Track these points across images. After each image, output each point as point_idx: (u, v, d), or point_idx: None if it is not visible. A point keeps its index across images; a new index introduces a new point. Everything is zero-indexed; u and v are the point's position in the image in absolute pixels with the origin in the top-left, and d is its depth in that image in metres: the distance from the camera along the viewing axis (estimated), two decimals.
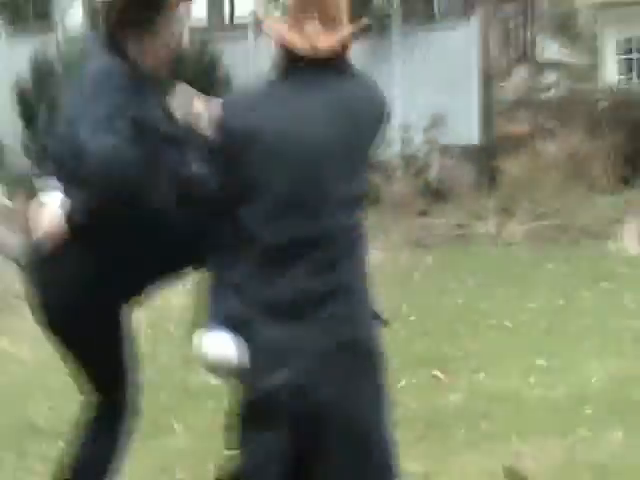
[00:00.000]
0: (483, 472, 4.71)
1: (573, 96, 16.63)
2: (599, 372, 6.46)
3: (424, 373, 6.60)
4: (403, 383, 6.12)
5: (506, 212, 13.35)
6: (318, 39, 2.78)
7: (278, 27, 2.87)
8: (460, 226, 12.90)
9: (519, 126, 16.08)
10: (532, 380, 6.38)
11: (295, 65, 2.82)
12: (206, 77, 13.92)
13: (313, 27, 2.80)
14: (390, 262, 11.12)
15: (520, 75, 20.79)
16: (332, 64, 2.85)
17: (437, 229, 12.90)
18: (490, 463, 4.80)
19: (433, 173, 14.79)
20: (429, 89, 15.21)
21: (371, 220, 11.88)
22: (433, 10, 16.43)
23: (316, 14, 2.82)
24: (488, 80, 16.04)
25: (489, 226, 12.88)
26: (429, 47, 15.60)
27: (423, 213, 13.73)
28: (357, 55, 12.63)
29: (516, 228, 12.82)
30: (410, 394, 5.95)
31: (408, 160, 15.03)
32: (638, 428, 5.30)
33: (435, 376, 6.55)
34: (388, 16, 15.74)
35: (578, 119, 15.13)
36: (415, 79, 15.40)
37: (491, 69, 16.37)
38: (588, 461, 4.84)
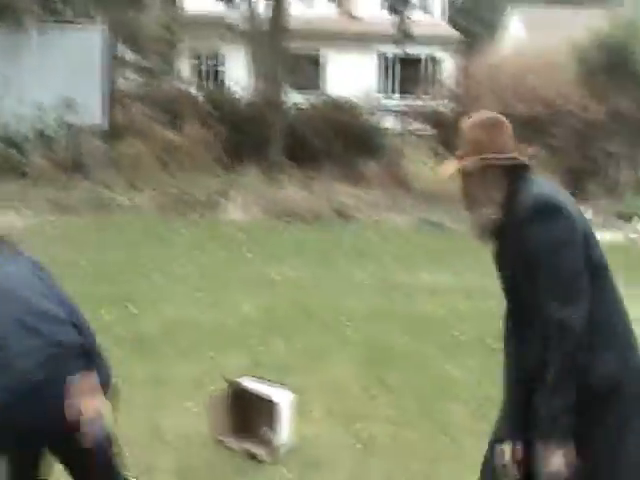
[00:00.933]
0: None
1: (180, 94, 17.99)
2: (247, 304, 7.99)
3: (119, 307, 7.68)
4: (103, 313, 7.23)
5: (133, 186, 14.35)
6: None
7: None
8: (98, 196, 13.64)
9: (136, 115, 17.09)
10: (197, 308, 7.73)
11: None
12: None
13: None
14: (47, 225, 11.85)
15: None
16: None
17: (77, 198, 13.52)
18: (196, 369, 6.08)
19: (65, 149, 15.37)
20: (61, 78, 15.83)
21: (15, 191, 12.73)
22: (65, 12, 16.94)
23: None
24: (109, 74, 17.04)
25: (122, 197, 13.80)
26: (63, 43, 16.21)
27: (62, 184, 14.19)
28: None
29: (144, 199, 13.89)
30: (114, 323, 7.08)
31: (42, 136, 15.50)
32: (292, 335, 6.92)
33: (128, 308, 7.67)
34: (26, 14, 16.09)
35: (187, 114, 16.57)
36: (49, 69, 15.92)
37: (110, 66, 17.31)
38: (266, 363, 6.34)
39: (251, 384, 4.94)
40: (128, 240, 11.30)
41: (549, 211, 2.80)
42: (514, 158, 2.95)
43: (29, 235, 11.11)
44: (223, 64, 27.42)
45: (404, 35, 18.34)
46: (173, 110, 16.99)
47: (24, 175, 14.35)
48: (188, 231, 12.13)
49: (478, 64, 18.43)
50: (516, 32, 26.82)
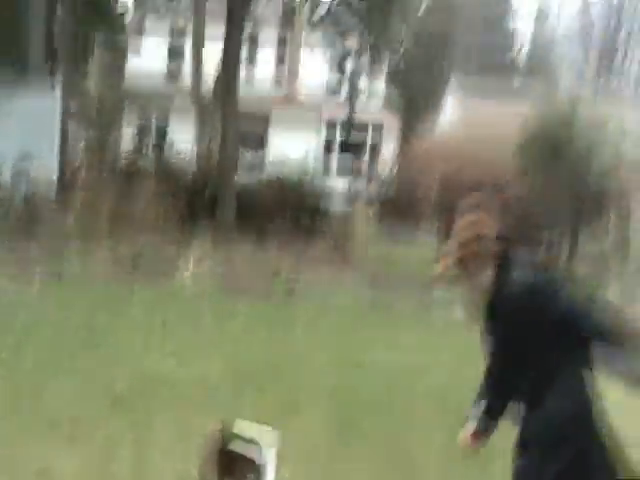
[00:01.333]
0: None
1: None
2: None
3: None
4: None
5: (87, 245, 14.07)
6: None
7: None
8: (47, 255, 13.33)
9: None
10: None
11: None
12: None
13: None
14: None
15: None
16: None
17: (28, 258, 13.16)
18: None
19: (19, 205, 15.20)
20: (21, 138, 15.72)
21: None
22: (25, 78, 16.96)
23: None
24: (65, 135, 17.01)
25: (75, 256, 13.53)
26: (21, 106, 16.13)
27: (10, 242, 13.80)
28: None
29: (100, 258, 13.62)
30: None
31: None
32: None
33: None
34: None
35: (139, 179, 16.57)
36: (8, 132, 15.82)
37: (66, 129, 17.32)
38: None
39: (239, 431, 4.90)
40: (82, 301, 10.95)
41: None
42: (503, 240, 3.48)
43: None
44: (168, 128, 27.46)
45: (350, 123, 18.80)
46: (126, 174, 16.99)
47: None
48: (146, 293, 11.92)
49: (416, 148, 18.86)
50: (455, 101, 27.16)
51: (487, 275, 3.41)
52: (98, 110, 23.92)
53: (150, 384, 7.19)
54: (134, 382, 7.19)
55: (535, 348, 3.34)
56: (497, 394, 3.58)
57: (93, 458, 5.39)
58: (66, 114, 17.44)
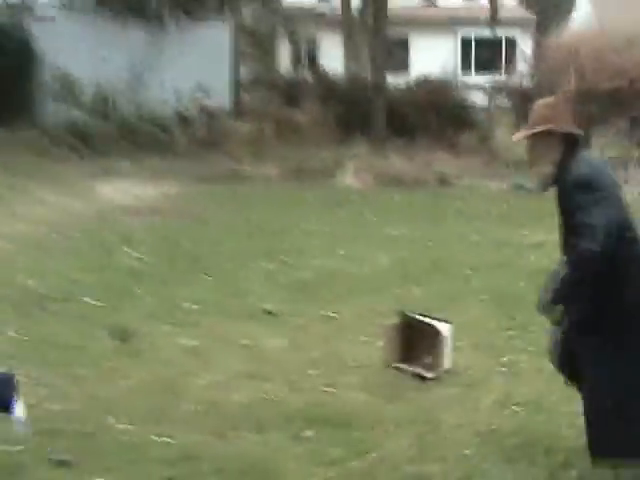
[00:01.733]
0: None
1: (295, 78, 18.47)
2: (381, 257, 8.31)
3: (274, 259, 8.10)
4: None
5: (259, 159, 14.80)
6: None
7: None
8: (230, 168, 14.13)
9: (257, 98, 17.63)
10: (343, 262, 8.07)
11: None
12: None
13: None
14: (192, 193, 12.35)
15: None
16: None
17: (214, 170, 14.01)
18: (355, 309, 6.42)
19: (200, 128, 15.95)
20: (196, 67, 16.32)
21: (162, 165, 13.37)
22: (197, 9, 17.44)
23: None
24: (236, 63, 17.56)
25: (250, 168, 14.27)
26: (196, 37, 16.69)
27: (199, 158, 14.74)
28: (139, 41, 14.20)
29: (269, 170, 14.33)
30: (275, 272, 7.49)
31: (181, 117, 16.09)
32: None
33: (282, 259, 8.09)
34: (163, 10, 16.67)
35: (302, 96, 16.99)
36: (186, 60, 16.41)
37: (237, 57, 17.82)
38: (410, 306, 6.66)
39: (417, 317, 5.31)
40: (261, 204, 11.75)
41: (584, 185, 3.41)
42: (569, 131, 3.54)
43: (180, 201, 11.70)
44: (319, 49, 27.63)
45: (492, 17, 18.38)
46: (288, 93, 17.42)
47: (168, 151, 14.91)
48: (311, 196, 12.50)
49: (555, 42, 18.22)
50: (585, 13, 26.21)
51: (552, 160, 3.53)
52: (258, 36, 24.43)
53: (328, 275, 7.68)
54: (316, 273, 7.72)
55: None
56: None
57: (291, 336, 5.85)
58: (235, 45, 17.93)
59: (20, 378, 4.63)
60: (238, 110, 16.99)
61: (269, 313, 6.36)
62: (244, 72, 19.24)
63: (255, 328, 5.98)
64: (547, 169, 3.57)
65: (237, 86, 17.55)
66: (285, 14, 25.65)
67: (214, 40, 16.93)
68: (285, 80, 18.42)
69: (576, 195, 3.41)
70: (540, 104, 3.68)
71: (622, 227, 3.44)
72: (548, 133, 3.53)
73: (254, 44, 24.10)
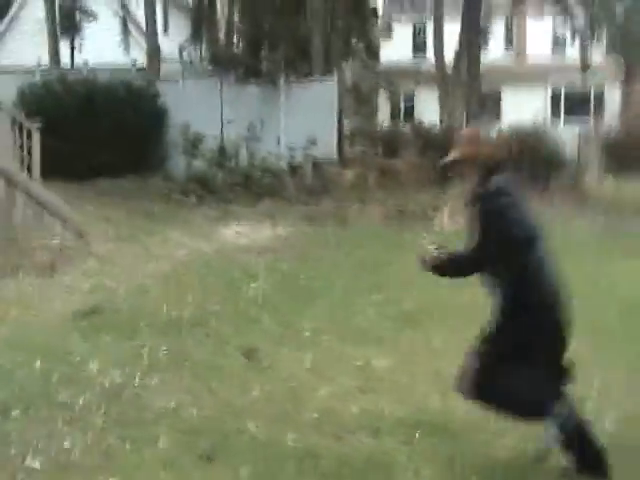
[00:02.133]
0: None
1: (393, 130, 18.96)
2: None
3: (382, 291, 8.39)
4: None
5: (363, 203, 15.22)
6: None
7: None
8: (336, 211, 14.60)
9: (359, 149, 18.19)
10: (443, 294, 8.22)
11: None
12: None
13: None
14: (300, 233, 12.83)
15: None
16: None
17: (322, 212, 14.52)
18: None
19: (310, 176, 16.58)
20: (305, 122, 16.99)
21: (275, 209, 13.92)
22: (307, 69, 18.21)
23: None
24: (341, 118, 18.20)
25: (354, 211, 14.69)
26: (305, 94, 17.41)
27: (308, 203, 15.31)
28: (253, 100, 15.04)
29: (372, 213, 14.70)
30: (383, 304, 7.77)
31: (292, 167, 16.76)
32: None
33: (389, 294, 8.37)
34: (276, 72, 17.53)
35: (400, 146, 17.44)
36: (296, 115, 17.14)
37: (340, 111, 18.45)
38: None
39: None
40: (366, 244, 12.08)
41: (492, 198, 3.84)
42: (488, 159, 3.94)
43: (292, 241, 12.19)
44: (415, 102, 28.14)
45: (582, 67, 18.44)
46: (388, 143, 17.91)
47: (280, 197, 15.56)
48: (410, 236, 12.72)
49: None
50: None
51: (473, 181, 3.95)
52: (359, 91, 25.14)
53: (430, 306, 7.90)
54: (418, 304, 7.97)
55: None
56: None
57: (398, 357, 6.14)
58: (340, 100, 18.59)
59: (166, 388, 5.14)
60: (343, 159, 17.57)
61: (378, 338, 6.68)
62: (348, 125, 19.84)
63: (366, 351, 6.30)
64: (469, 189, 4.00)
65: (342, 138, 18.17)
66: (384, 71, 26.36)
67: (321, 96, 17.63)
68: (385, 132, 18.90)
69: (486, 211, 3.85)
70: (464, 134, 4.18)
71: (529, 237, 3.87)
72: (470, 159, 3.95)
73: (356, 99, 24.79)
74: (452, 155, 4.04)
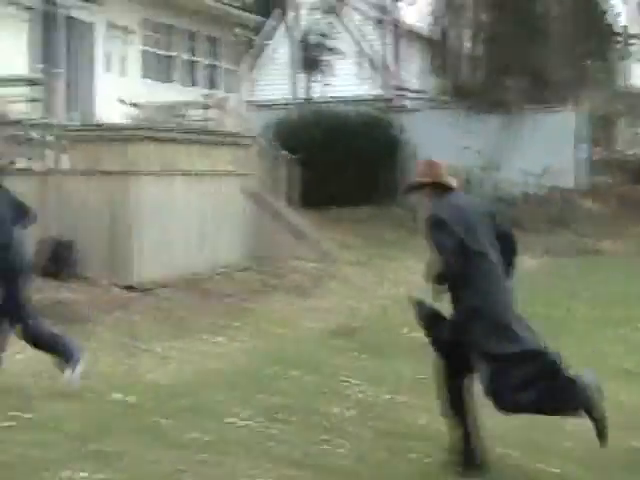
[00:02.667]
0: None
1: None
2: None
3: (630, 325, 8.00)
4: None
5: (606, 234, 14.58)
6: None
7: None
8: (579, 243, 14.13)
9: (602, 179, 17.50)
10: None
11: None
12: None
13: None
14: (544, 264, 12.57)
15: None
16: None
17: (563, 244, 14.13)
18: None
19: (547, 205, 16.24)
20: (542, 150, 16.72)
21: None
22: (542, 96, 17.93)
23: None
24: (580, 145, 17.68)
25: (600, 244, 14.12)
26: (543, 123, 17.15)
27: (545, 233, 14.94)
28: (492, 129, 14.61)
29: (616, 245, 14.03)
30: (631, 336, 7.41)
31: (527, 196, 16.49)
32: None
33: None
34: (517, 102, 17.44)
35: None
36: (533, 144, 16.92)
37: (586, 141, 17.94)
38: None
39: None
40: (613, 276, 11.59)
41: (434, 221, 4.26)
42: (436, 182, 4.35)
43: (533, 271, 11.97)
44: None
45: None
46: (634, 172, 17.10)
47: (516, 227, 15.32)
48: None
49: None
50: None
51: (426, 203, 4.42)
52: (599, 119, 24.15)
53: None
54: None
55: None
56: None
57: None
58: (582, 128, 18.11)
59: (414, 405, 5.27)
60: (583, 189, 17.03)
61: (628, 372, 6.44)
62: (587, 153, 19.17)
63: (616, 385, 6.09)
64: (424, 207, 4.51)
65: (584, 167, 17.62)
66: (627, 94, 24.95)
67: (559, 125, 17.25)
68: (629, 160, 18.04)
69: (431, 228, 4.25)
70: (421, 163, 4.58)
71: (467, 247, 4.14)
72: (424, 184, 4.39)
73: (595, 127, 23.82)
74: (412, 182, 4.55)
